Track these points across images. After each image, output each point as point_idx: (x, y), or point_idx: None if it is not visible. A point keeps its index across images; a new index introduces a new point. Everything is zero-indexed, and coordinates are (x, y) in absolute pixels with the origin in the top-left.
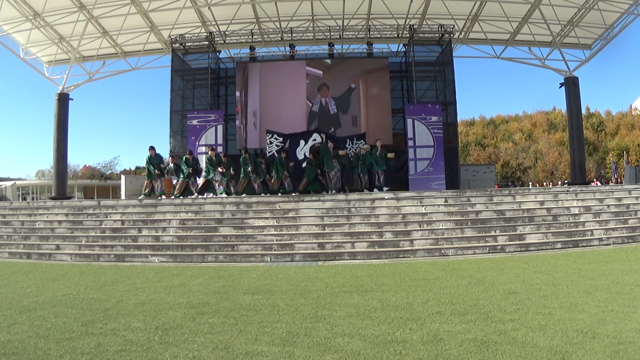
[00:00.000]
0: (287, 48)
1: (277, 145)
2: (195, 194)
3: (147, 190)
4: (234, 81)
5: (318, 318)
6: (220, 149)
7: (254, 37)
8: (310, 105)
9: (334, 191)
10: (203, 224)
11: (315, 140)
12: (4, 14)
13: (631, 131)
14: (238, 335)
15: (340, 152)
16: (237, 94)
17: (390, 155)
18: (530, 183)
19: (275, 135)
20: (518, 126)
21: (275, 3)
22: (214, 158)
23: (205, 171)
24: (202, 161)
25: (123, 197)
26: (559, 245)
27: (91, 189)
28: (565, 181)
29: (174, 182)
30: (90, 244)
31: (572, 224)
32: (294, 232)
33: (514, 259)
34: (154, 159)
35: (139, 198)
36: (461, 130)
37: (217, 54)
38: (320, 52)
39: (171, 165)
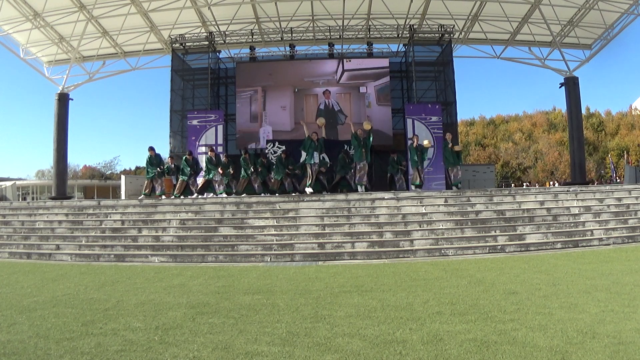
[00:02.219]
0: (287, 48)
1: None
2: (196, 194)
3: (147, 191)
4: (233, 81)
5: (318, 318)
6: (220, 149)
7: (254, 37)
8: (318, 103)
9: (364, 186)
10: (203, 224)
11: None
12: (4, 14)
13: (631, 131)
14: (238, 335)
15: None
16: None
17: (457, 148)
18: (527, 183)
19: (277, 144)
20: (518, 126)
21: (275, 3)
22: (213, 158)
23: (205, 171)
24: (202, 161)
25: (123, 197)
26: (559, 245)
27: (91, 189)
28: (563, 181)
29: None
30: (90, 244)
31: (572, 224)
32: (294, 232)
33: (514, 259)
34: (154, 159)
35: (139, 198)
36: (461, 130)
37: (217, 54)
38: (320, 52)
39: (171, 166)
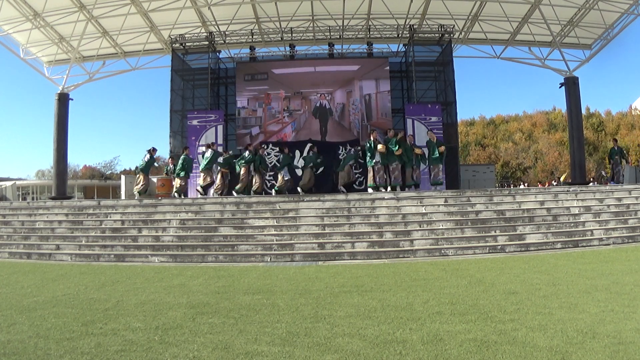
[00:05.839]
0: (287, 48)
1: (275, 155)
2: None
3: (142, 189)
4: (233, 81)
5: (318, 318)
6: (220, 149)
7: (254, 37)
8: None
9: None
10: (203, 224)
11: (309, 149)
12: (4, 14)
13: (631, 131)
14: (238, 335)
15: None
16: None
17: (417, 151)
18: (527, 183)
19: (271, 146)
20: (518, 126)
21: (275, 3)
22: (208, 155)
23: (204, 169)
24: (201, 158)
25: (123, 197)
26: (559, 245)
27: (91, 189)
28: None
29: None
30: (90, 244)
31: (572, 224)
32: (294, 232)
33: (514, 259)
34: (153, 160)
35: (138, 198)
36: (461, 130)
37: (217, 54)
38: (320, 52)
39: (170, 166)
